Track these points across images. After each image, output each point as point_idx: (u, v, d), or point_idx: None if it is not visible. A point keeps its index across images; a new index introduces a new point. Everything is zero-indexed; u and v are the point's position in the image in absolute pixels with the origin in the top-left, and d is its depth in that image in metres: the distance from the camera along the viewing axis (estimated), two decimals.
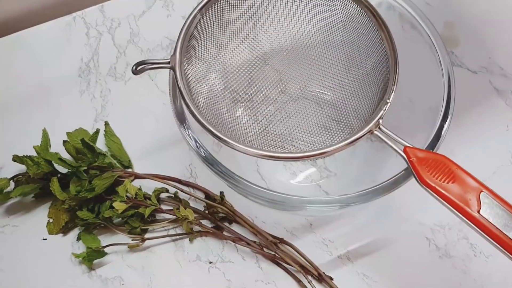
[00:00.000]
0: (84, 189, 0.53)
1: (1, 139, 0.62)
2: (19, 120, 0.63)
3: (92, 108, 0.63)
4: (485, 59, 0.65)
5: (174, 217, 0.55)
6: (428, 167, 0.42)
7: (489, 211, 0.39)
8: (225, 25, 0.55)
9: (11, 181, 0.57)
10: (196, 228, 0.56)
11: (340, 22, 0.53)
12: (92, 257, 0.53)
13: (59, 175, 0.56)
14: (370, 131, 0.45)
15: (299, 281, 0.53)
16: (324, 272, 0.53)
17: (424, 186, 0.41)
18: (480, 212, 0.39)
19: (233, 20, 0.55)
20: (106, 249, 0.55)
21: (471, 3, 0.69)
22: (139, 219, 0.55)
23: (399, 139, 0.44)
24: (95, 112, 0.63)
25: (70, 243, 0.56)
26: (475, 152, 0.60)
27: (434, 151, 0.47)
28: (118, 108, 0.64)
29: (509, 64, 0.65)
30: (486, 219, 0.39)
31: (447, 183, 0.41)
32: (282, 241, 0.55)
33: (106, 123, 0.60)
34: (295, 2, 0.54)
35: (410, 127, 0.55)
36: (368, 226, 0.56)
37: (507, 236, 0.38)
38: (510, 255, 0.38)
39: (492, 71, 0.65)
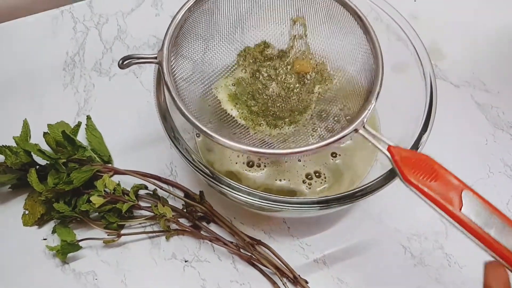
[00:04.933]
0: (62, 182, 0.52)
1: None
2: (0, 110, 0.63)
3: (75, 102, 0.63)
4: (468, 74, 0.66)
5: (152, 214, 0.55)
6: (412, 166, 0.42)
7: (470, 210, 0.40)
8: (212, 26, 0.55)
9: None
10: (174, 226, 0.55)
11: (328, 24, 0.53)
12: (66, 251, 0.53)
13: (37, 167, 0.55)
14: (356, 130, 0.45)
15: (274, 283, 0.53)
16: (299, 275, 0.53)
17: (408, 184, 0.42)
18: (462, 210, 0.40)
19: (221, 22, 0.56)
20: (81, 243, 0.54)
21: (457, 19, 0.70)
22: (116, 215, 0.54)
23: (384, 139, 0.44)
24: (78, 106, 0.63)
25: (45, 236, 0.55)
26: (454, 164, 0.60)
27: None
28: (101, 103, 0.63)
29: (491, 79, 0.66)
30: (468, 217, 0.40)
31: (430, 181, 0.41)
32: (259, 242, 0.54)
33: (88, 117, 0.60)
34: (285, 5, 0.54)
35: (391, 135, 0.56)
36: (345, 231, 0.57)
37: (488, 234, 0.39)
38: (490, 252, 0.39)
39: (475, 86, 0.66)
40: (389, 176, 0.47)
